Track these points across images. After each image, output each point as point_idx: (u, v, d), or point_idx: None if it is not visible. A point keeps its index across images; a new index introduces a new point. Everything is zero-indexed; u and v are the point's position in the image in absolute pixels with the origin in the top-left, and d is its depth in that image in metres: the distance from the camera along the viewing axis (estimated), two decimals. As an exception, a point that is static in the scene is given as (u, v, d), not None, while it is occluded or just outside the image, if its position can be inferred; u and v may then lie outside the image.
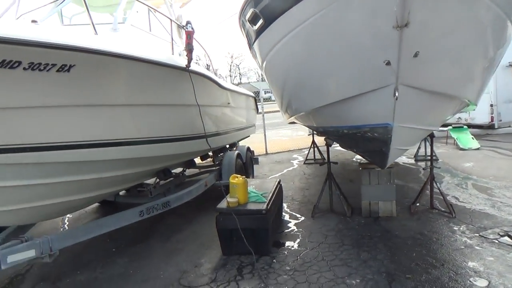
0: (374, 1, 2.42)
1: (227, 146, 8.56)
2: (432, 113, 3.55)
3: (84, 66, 3.14)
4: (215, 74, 7.78)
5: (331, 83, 3.51)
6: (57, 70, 2.97)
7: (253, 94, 10.03)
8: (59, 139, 3.36)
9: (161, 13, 4.90)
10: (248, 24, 3.83)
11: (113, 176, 4.35)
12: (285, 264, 4.28)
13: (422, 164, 8.98)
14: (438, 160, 9.22)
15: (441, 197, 5.59)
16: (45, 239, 3.81)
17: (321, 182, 6.00)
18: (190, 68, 4.54)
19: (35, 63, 2.79)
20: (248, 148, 8.43)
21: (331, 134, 4.78)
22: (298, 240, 4.96)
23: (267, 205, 4.66)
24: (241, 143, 9.36)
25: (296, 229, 5.37)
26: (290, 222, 5.70)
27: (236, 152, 7.28)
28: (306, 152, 10.78)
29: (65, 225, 6.40)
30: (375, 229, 5.10)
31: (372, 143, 3.74)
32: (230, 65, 69.24)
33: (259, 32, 3.74)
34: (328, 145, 5.86)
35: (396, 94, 2.88)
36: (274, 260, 4.41)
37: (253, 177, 8.49)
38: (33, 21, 3.06)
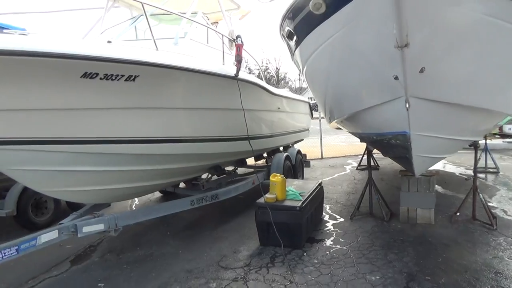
0: (377, 25, 2.75)
1: (281, 148, 9.06)
2: (456, 124, 3.70)
3: (146, 76, 3.85)
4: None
5: (354, 94, 3.84)
6: (125, 80, 3.71)
7: (307, 100, 10.41)
8: (126, 135, 4.13)
9: (214, 30, 5.56)
10: (286, 39, 4.31)
11: (170, 168, 5.10)
12: (314, 258, 4.66)
13: (482, 175, 8.67)
14: (499, 172, 8.82)
15: (489, 209, 5.53)
16: (112, 216, 4.63)
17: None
18: (238, 76, 5.12)
19: (108, 74, 3.55)
20: (299, 151, 8.84)
21: (366, 140, 5.05)
22: (331, 238, 5.30)
23: (303, 203, 5.07)
24: (293, 146, 9.83)
25: (332, 229, 5.70)
26: (329, 222, 6.03)
27: (285, 154, 7.75)
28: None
29: (133, 209, 7.38)
30: (409, 234, 5.26)
31: (398, 149, 3.99)
32: (300, 69, 69.28)
33: (296, 45, 4.20)
34: (369, 151, 6.11)
35: (407, 105, 3.16)
36: (305, 254, 4.81)
37: (302, 178, 8.88)
38: (109, 42, 3.86)
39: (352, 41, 3.12)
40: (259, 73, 8.85)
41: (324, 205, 6.91)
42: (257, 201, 5.18)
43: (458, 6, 2.51)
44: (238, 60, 5.07)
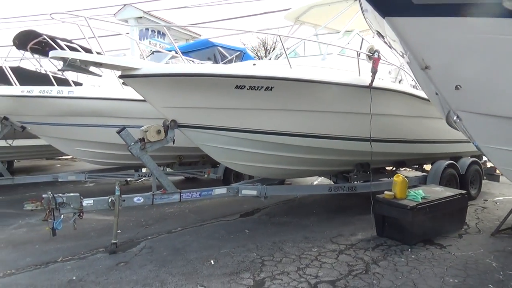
0: (406, 52, 3.24)
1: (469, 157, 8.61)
2: None
3: (280, 87, 5.37)
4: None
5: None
6: (265, 90, 5.35)
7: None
8: (269, 128, 5.78)
9: (350, 49, 6.40)
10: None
11: (309, 158, 6.42)
12: (414, 254, 5.05)
13: None
14: None
15: None
16: (264, 187, 6.41)
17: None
18: (372, 86, 5.88)
19: (252, 86, 5.27)
20: (474, 161, 8.29)
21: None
22: (450, 245, 5.36)
23: (418, 204, 5.42)
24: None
25: (460, 238, 5.66)
26: (467, 233, 5.91)
27: (448, 162, 7.63)
28: None
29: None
30: (543, 261, 4.74)
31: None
32: None
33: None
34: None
35: (455, 118, 3.38)
36: (410, 250, 5.22)
37: (478, 191, 8.32)
38: (254, 64, 5.58)
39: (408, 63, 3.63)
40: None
41: (477, 217, 6.66)
42: (377, 196, 5.86)
43: (458, 30, 2.77)
44: (373, 72, 5.85)
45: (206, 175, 9.35)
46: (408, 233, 5.43)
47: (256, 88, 5.32)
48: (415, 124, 7.03)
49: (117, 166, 9.60)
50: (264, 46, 30.27)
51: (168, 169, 9.72)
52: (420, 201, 5.53)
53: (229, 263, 4.80)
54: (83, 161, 9.50)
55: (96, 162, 9.31)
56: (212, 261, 4.87)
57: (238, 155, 6.05)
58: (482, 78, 3.08)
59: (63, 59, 4.85)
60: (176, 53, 5.80)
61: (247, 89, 5.31)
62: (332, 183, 8.06)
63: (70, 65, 4.91)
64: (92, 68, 5.28)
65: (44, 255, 5.18)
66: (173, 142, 5.72)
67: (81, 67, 5.03)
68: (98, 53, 5.44)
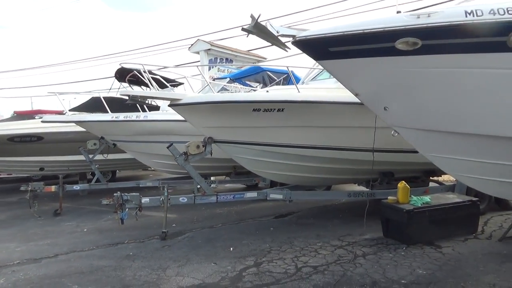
0: None
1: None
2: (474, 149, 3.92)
3: (289, 108, 6.50)
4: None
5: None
6: (277, 111, 6.54)
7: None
8: (283, 142, 6.91)
9: None
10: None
11: (333, 168, 7.37)
12: (406, 252, 5.67)
13: None
14: None
15: None
16: (289, 191, 7.51)
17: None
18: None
19: (267, 109, 6.50)
20: None
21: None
22: (448, 247, 5.79)
23: (415, 208, 6.02)
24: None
25: (463, 242, 6.02)
26: (475, 238, 6.21)
27: (478, 171, 7.78)
28: None
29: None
30: (527, 263, 5.03)
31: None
32: None
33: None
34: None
35: (392, 132, 4.18)
36: (404, 248, 5.84)
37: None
38: (267, 91, 6.80)
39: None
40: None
41: (500, 225, 6.84)
42: (382, 200, 6.55)
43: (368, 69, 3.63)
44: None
45: (257, 183, 10.69)
46: (405, 234, 6.04)
47: (270, 110, 6.54)
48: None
49: (187, 175, 11.48)
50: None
51: (226, 178, 11.33)
52: (419, 205, 6.11)
53: (244, 250, 6.04)
54: (159, 170, 11.62)
55: (169, 172, 11.34)
56: (231, 248, 6.16)
57: (264, 164, 7.29)
58: (400, 101, 3.90)
59: (128, 96, 6.70)
60: (226, 80, 7.31)
61: (263, 111, 6.55)
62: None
63: (133, 99, 6.75)
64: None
65: (117, 238, 7.04)
66: (211, 154, 7.19)
67: (141, 100, 6.85)
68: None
